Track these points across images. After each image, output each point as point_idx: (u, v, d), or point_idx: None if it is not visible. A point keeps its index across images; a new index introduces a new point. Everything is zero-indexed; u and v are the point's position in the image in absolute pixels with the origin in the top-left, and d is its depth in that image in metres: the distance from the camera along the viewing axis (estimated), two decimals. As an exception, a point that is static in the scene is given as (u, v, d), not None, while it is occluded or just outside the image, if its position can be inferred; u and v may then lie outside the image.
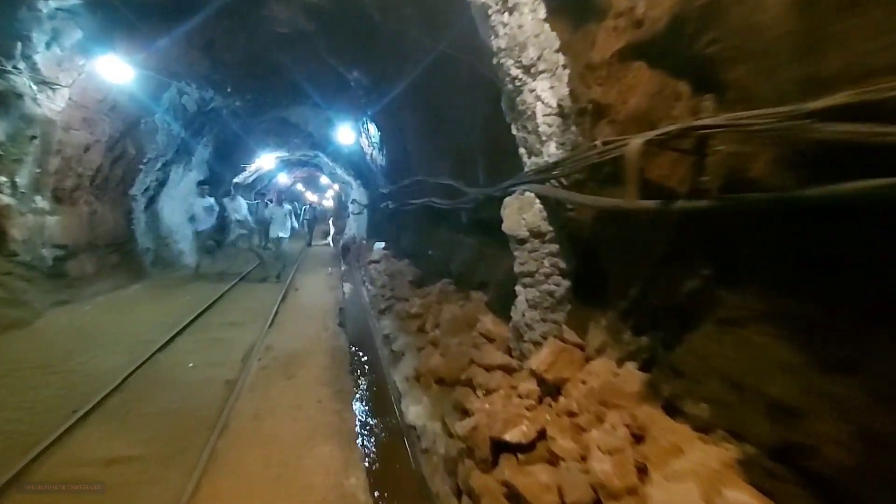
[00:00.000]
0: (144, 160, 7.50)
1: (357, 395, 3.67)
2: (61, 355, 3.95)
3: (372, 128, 8.14)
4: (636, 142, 1.57)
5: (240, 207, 9.21)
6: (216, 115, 8.79)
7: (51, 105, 5.21)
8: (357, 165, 13.25)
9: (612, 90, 2.03)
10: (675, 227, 1.69)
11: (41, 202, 5.53)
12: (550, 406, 2.08)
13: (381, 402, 3.59)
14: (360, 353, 4.77)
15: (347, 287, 8.76)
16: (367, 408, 3.55)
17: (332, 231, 23.93)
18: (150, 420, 2.89)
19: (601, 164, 1.93)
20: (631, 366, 1.92)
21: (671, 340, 1.73)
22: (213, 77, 7.50)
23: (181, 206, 9.44)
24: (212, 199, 8.66)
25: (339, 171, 16.31)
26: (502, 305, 3.25)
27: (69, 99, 5.46)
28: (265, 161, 15.20)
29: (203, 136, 9.06)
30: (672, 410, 1.61)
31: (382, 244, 10.13)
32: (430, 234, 6.16)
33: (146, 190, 7.93)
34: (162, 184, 8.45)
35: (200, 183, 8.83)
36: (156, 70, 6.38)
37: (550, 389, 2.16)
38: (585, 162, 2.04)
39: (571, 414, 1.92)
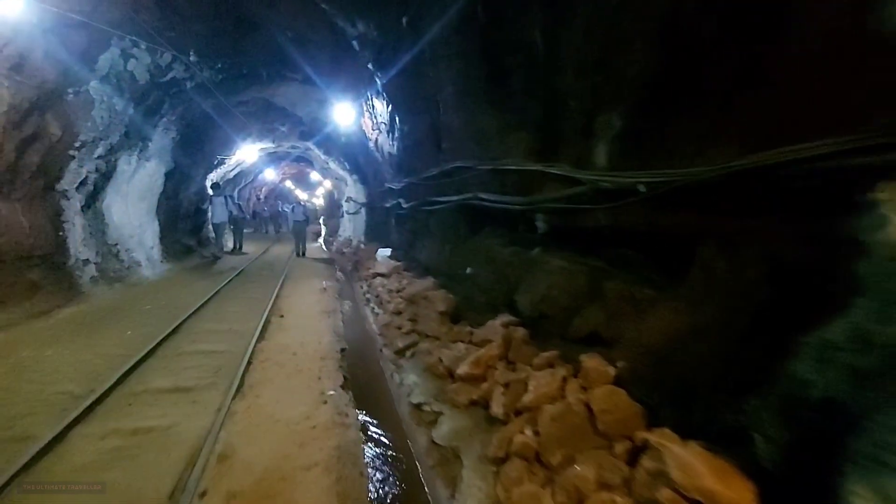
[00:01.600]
0: (77, 144, 5.62)
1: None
2: None
3: (379, 104, 6.37)
4: None
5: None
6: (178, 89, 6.92)
7: None
8: (354, 157, 11.43)
9: None
10: None
11: None
12: None
13: None
14: (381, 446, 3.02)
15: (347, 306, 6.96)
16: None
17: (323, 231, 22.03)
18: None
19: None
20: None
21: None
22: (168, 35, 5.64)
23: (137, 205, 7.55)
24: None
25: (333, 166, 14.45)
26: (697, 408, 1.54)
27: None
28: (247, 153, 13.28)
29: (162, 116, 7.17)
30: None
31: (388, 251, 8.37)
32: (469, 244, 4.42)
33: (83, 184, 6.04)
34: (107, 176, 6.56)
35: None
36: (80, 12, 4.52)
37: None
38: None
39: None
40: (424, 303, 4.64)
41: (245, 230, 18.66)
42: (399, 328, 4.87)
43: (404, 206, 6.11)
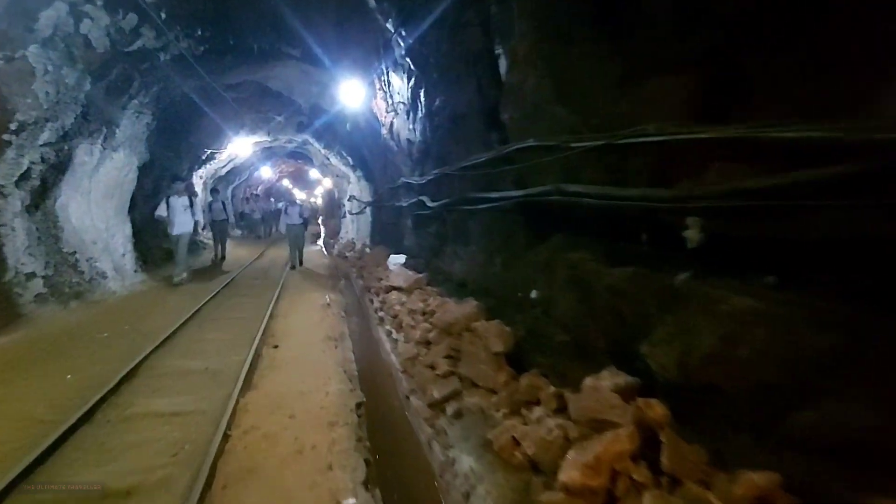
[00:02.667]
0: (12, 126, 4.38)
1: None
2: None
3: (397, 80, 5.15)
4: None
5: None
6: (150, 64, 5.68)
7: None
8: (358, 151, 10.20)
9: None
10: None
11: None
12: None
13: None
14: None
15: (355, 325, 5.75)
16: None
17: (322, 232, 20.79)
18: None
19: None
20: None
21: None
22: (131, -14, 4.42)
23: (102, 204, 6.30)
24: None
25: (334, 161, 13.21)
26: None
27: None
28: (240, 147, 12.03)
29: (132, 96, 5.93)
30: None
31: (401, 259, 7.15)
32: (532, 257, 3.20)
33: (24, 178, 4.80)
34: (60, 169, 5.32)
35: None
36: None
37: None
38: None
39: None
40: (469, 336, 3.42)
41: (235, 233, 17.25)
42: (431, 367, 3.66)
43: (429, 204, 4.89)
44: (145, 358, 3.79)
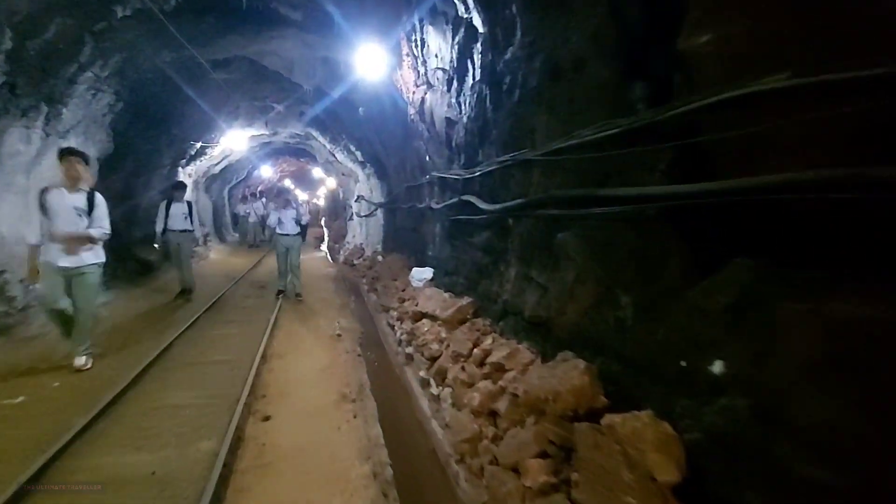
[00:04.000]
0: None
1: None
2: None
3: (435, 38, 3.75)
4: None
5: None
6: (107, 21, 4.30)
7: None
8: (369, 144, 8.82)
9: None
10: None
11: None
12: None
13: None
14: None
15: (373, 364, 4.37)
16: None
17: (326, 236, 19.42)
18: None
19: None
20: None
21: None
22: None
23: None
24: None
25: (340, 157, 11.84)
26: None
27: None
28: (235, 141, 10.65)
29: (83, 66, 4.54)
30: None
31: (428, 273, 5.77)
32: (695, 299, 1.79)
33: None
34: (-22, 160, 3.93)
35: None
36: None
37: None
38: None
39: None
40: (591, 434, 2.00)
41: (220, 245, 15.52)
42: (514, 470, 2.27)
43: (482, 206, 3.47)
44: (63, 449, 2.40)
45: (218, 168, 12.47)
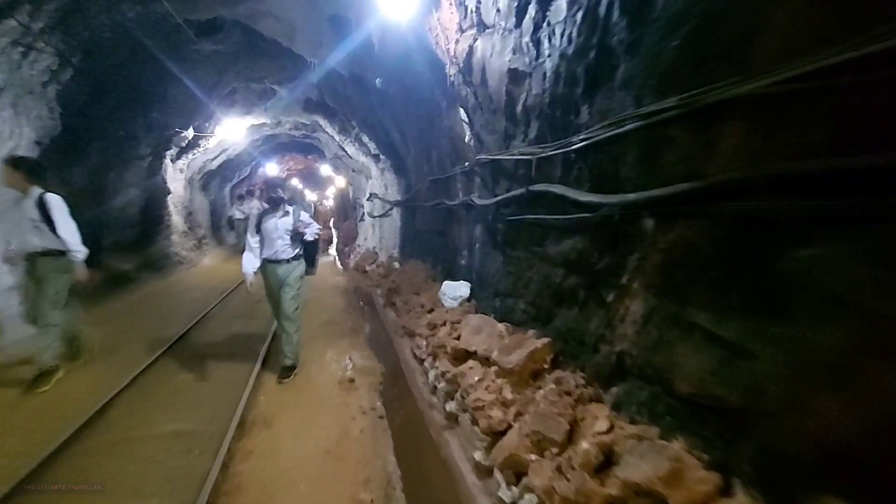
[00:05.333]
0: None
1: None
2: None
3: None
4: None
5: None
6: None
7: None
8: (385, 132, 7.51)
9: None
10: None
11: None
12: None
13: None
14: None
15: (400, 429, 3.00)
16: None
17: (335, 238, 18.17)
18: None
19: None
20: None
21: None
22: None
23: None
24: None
25: (350, 150, 10.54)
26: None
27: None
28: (232, 131, 9.40)
29: (1, 9, 3.27)
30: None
31: (465, 290, 4.43)
32: None
33: None
34: None
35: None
36: None
37: None
38: None
39: None
40: None
41: (217, 248, 14.24)
42: None
43: (585, 198, 2.12)
44: None
45: (215, 163, 11.26)
